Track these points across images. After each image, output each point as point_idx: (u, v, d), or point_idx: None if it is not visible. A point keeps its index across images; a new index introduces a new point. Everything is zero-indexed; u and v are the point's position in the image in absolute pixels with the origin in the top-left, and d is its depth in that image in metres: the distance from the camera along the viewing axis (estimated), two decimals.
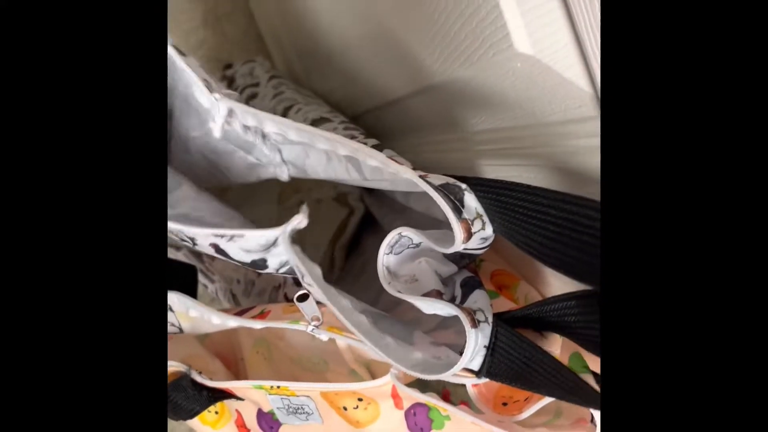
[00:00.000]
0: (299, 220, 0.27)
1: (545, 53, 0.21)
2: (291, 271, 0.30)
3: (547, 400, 0.25)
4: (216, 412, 0.36)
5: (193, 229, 0.27)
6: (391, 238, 0.27)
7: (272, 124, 0.26)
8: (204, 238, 0.28)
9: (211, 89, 0.26)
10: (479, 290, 0.27)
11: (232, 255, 0.29)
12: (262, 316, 0.32)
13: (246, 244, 0.27)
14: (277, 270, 0.30)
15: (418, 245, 0.28)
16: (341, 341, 0.32)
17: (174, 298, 0.33)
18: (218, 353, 0.41)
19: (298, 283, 0.38)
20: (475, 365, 0.25)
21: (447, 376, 0.25)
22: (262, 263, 0.29)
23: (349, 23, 0.38)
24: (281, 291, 0.40)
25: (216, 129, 0.27)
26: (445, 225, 0.29)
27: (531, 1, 0.20)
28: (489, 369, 0.24)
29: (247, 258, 0.29)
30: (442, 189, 0.23)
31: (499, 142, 0.28)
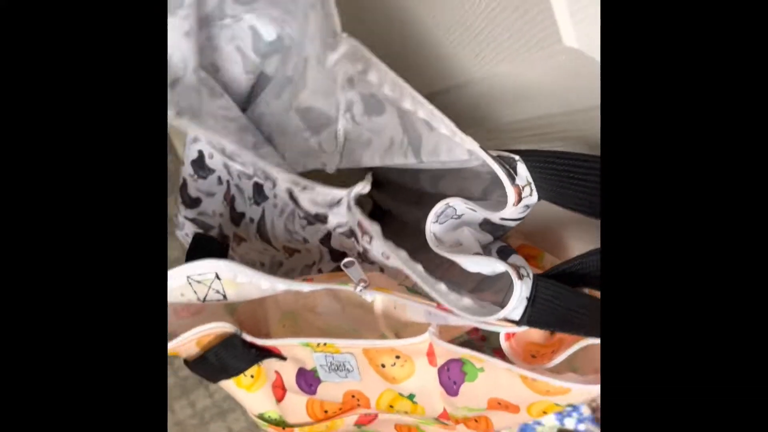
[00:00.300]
0: (363, 186, 0.31)
1: (590, 46, 0.25)
2: (345, 232, 0.34)
3: (574, 348, 0.29)
4: (252, 376, 0.39)
5: (276, 171, 0.30)
6: (438, 207, 0.31)
7: (375, 72, 0.28)
8: (283, 181, 0.31)
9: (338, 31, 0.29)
10: (515, 255, 0.31)
11: (301, 203, 0.32)
12: (307, 281, 0.35)
13: (315, 197, 0.31)
14: (334, 228, 0.33)
15: (460, 216, 0.32)
16: (379, 306, 0.36)
17: (222, 265, 0.35)
18: (243, 326, 0.43)
19: (335, 259, 0.41)
20: (516, 315, 0.29)
21: (486, 321, 0.29)
22: (323, 218, 0.32)
23: (379, 20, 0.41)
24: (314, 268, 0.42)
25: (341, 70, 0.30)
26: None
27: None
28: (530, 318, 0.28)
29: (313, 209, 0.32)
30: (498, 159, 0.27)
31: (532, 129, 0.33)
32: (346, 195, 0.30)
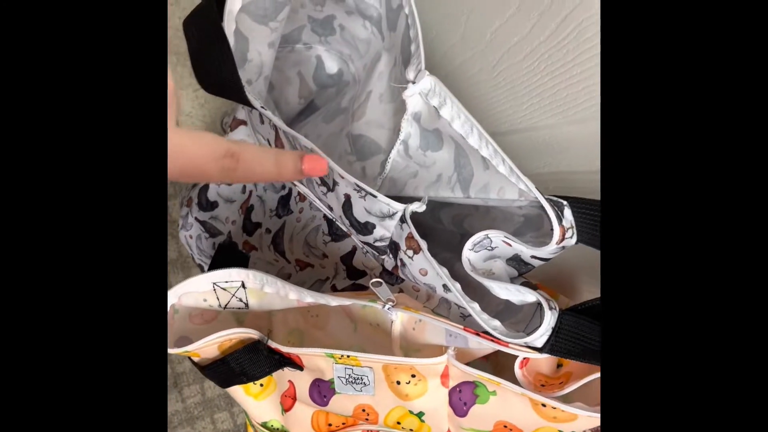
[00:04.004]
0: (419, 206, 0.34)
1: None
2: (384, 247, 0.36)
3: (584, 381, 0.33)
4: (261, 385, 0.39)
5: (344, 173, 0.33)
6: (477, 237, 0.34)
7: (449, 108, 0.32)
8: (346, 185, 0.33)
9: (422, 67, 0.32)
10: (539, 291, 0.34)
11: (354, 210, 0.34)
12: (334, 295, 0.37)
13: (372, 206, 0.33)
14: (375, 240, 0.35)
15: (493, 249, 0.35)
16: (397, 327, 0.38)
17: (250, 275, 0.36)
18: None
19: (350, 276, 0.43)
20: (539, 343, 0.32)
21: (511, 345, 0.32)
22: (371, 227, 0.35)
23: (437, 57, 0.45)
24: (328, 284, 0.44)
25: (412, 102, 0.33)
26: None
27: None
28: (552, 346, 0.31)
29: (363, 218, 0.34)
30: (549, 201, 0.31)
31: (556, 182, 0.37)
32: (402, 209, 0.33)
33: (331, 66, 0.45)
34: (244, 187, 0.48)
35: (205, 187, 0.49)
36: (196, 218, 0.50)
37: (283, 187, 0.47)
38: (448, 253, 0.44)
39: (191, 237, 0.52)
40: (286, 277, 0.48)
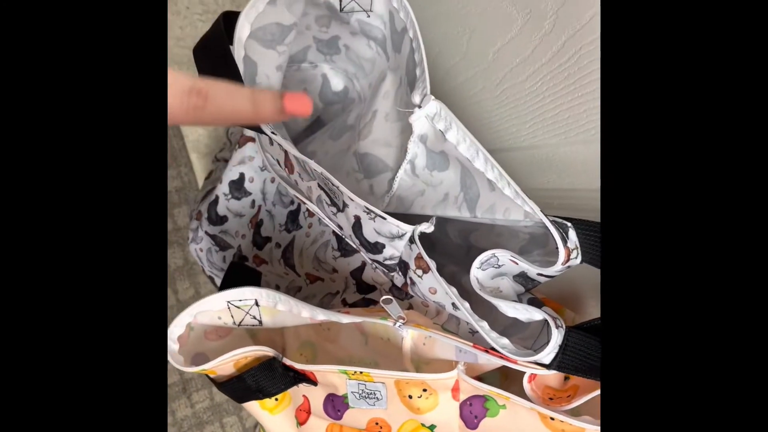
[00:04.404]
0: (427, 226, 0.35)
1: None
2: (394, 265, 0.37)
3: (591, 395, 0.34)
4: (276, 399, 0.40)
5: (354, 196, 0.33)
6: (484, 256, 0.35)
7: (455, 132, 0.32)
8: (356, 207, 0.34)
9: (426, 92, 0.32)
10: (546, 307, 0.35)
11: (364, 231, 0.35)
12: (345, 313, 0.38)
13: (381, 227, 0.34)
14: (385, 259, 0.36)
15: (500, 266, 0.36)
16: (408, 342, 0.39)
17: (263, 294, 0.37)
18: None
19: (360, 291, 0.44)
20: (547, 360, 0.33)
21: (518, 362, 0.33)
22: (381, 247, 0.35)
23: (440, 75, 0.46)
24: (338, 297, 0.45)
25: (418, 125, 0.34)
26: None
27: None
28: (559, 363, 0.32)
29: (373, 239, 0.35)
30: (554, 223, 0.32)
31: (560, 199, 0.38)
32: (411, 230, 0.34)
33: (337, 83, 0.46)
34: (253, 201, 0.49)
35: (215, 202, 0.50)
36: (206, 232, 0.51)
37: (292, 202, 0.48)
38: (454, 266, 0.45)
39: (201, 250, 0.53)
40: (297, 290, 0.49)
